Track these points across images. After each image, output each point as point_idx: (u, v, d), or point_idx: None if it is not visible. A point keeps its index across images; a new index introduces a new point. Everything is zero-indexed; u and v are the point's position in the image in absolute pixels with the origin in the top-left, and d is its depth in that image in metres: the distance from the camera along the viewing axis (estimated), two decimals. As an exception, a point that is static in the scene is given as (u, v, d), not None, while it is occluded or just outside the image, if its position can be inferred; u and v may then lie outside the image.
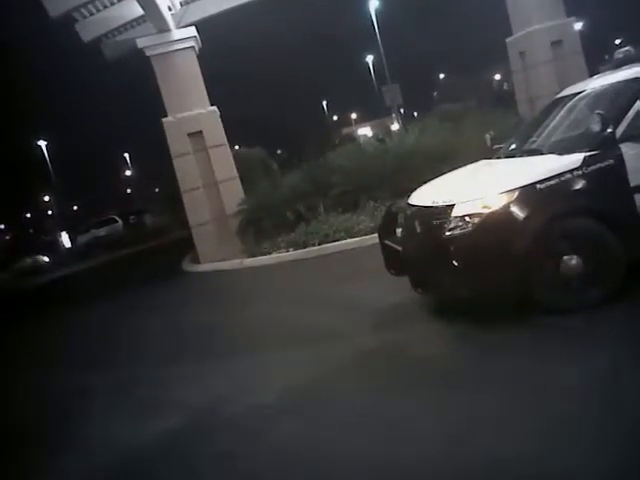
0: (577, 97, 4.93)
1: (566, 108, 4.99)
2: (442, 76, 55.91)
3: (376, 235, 5.67)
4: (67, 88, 42.14)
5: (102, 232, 29.11)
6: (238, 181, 11.91)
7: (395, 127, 22.83)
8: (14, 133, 39.18)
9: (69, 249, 30.65)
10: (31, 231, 46.57)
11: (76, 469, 3.86)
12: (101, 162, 50.32)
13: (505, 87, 38.61)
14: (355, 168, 10.72)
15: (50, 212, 51.71)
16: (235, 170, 11.93)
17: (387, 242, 5.21)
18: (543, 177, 4.08)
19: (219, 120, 11.97)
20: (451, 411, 3.26)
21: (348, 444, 3.20)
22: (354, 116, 59.14)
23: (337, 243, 9.32)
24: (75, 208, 54.37)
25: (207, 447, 3.61)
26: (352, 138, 31.64)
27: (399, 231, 5.26)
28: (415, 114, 35.06)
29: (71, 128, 44.38)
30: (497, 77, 48.19)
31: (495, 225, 4.10)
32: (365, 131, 42.64)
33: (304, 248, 9.65)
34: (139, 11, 11.26)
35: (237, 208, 11.45)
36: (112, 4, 11.88)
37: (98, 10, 11.90)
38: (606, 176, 4.07)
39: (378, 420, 3.38)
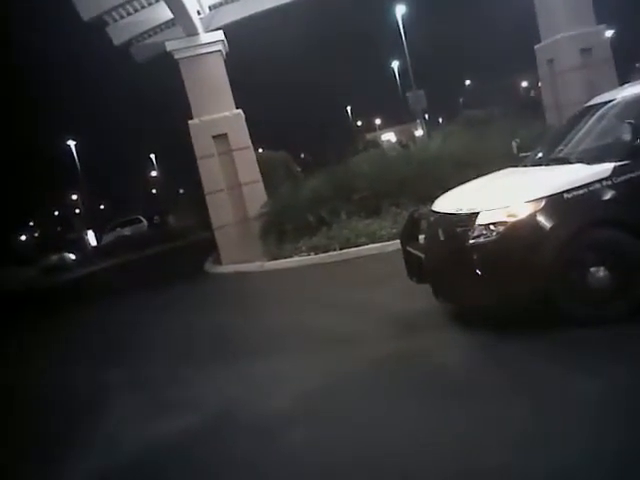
0: (607, 106, 4.83)
1: (595, 117, 4.89)
2: (468, 82, 55.55)
3: (398, 241, 5.64)
4: (97, 90, 43.01)
5: (127, 231, 29.53)
6: (261, 184, 11.99)
7: (419, 133, 22.71)
8: (45, 133, 40.12)
9: (94, 247, 31.16)
10: (59, 229, 47.48)
11: (90, 465, 3.90)
12: (128, 162, 51.15)
13: (532, 94, 38.18)
14: (378, 173, 10.69)
15: (77, 210, 52.69)
16: (259, 173, 12.01)
17: (409, 249, 5.17)
18: (571, 186, 4.01)
19: (244, 123, 12.07)
20: (465, 421, 3.21)
21: (360, 450, 3.18)
22: (378, 121, 59.09)
23: (358, 248, 9.29)
24: (102, 207, 55.30)
25: (220, 449, 3.62)
26: (376, 143, 31.54)
27: (422, 238, 5.22)
28: (440, 120, 34.85)
29: (100, 129, 45.28)
30: (524, 84, 47.66)
31: (520, 234, 4.05)
32: (389, 136, 42.55)
33: (325, 252, 9.64)
34: (169, 15, 11.45)
35: (260, 211, 11.52)
36: (142, 7, 12.10)
37: (129, 13, 12.13)
38: (636, 187, 3.98)
39: (392, 427, 3.35)
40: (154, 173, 57.02)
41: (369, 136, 45.71)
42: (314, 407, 3.89)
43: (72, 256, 26.32)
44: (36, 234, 47.42)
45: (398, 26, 27.28)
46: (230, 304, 8.28)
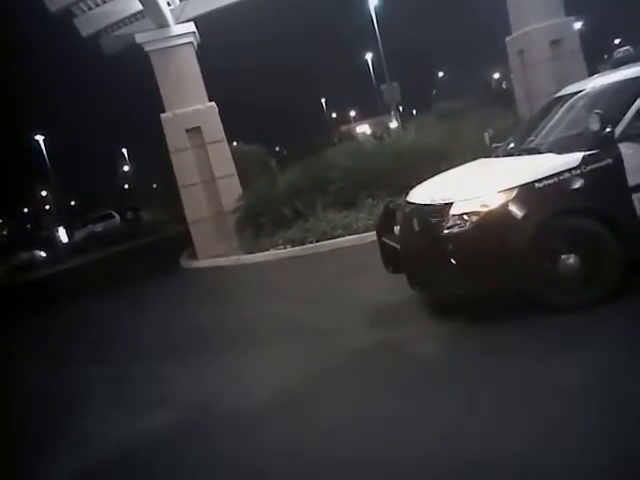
0: (576, 96, 4.93)
1: (565, 107, 4.99)
2: (441, 74, 55.97)
3: (374, 232, 5.67)
4: (65, 83, 42.05)
5: (99, 227, 29.05)
6: (236, 177, 11.89)
7: (394, 125, 22.79)
8: (12, 128, 39.07)
9: (66, 244, 30.54)
10: (28, 226, 46.37)
11: (71, 462, 3.85)
12: (99, 157, 50.24)
13: (504, 86, 38.67)
14: (353, 165, 10.70)
15: (47, 207, 51.54)
16: (233, 166, 11.91)
17: (385, 240, 5.20)
18: (541, 176, 4.08)
19: (217, 116, 11.94)
20: (445, 410, 3.26)
21: (339, 442, 3.21)
22: (353, 114, 59.17)
23: (335, 240, 9.31)
24: (73, 203, 54.16)
25: (202, 444, 3.61)
26: (351, 135, 31.61)
27: (397, 229, 5.26)
28: (414, 112, 35.08)
29: (69, 123, 44.27)
30: (496, 75, 48.21)
31: (493, 223, 4.11)
32: (364, 129, 42.64)
33: (302, 245, 9.64)
34: (138, 6, 11.21)
35: (235, 204, 11.43)
36: (111, -1, 11.83)
37: (97, 5, 11.84)
38: (604, 175, 4.08)
39: (372, 419, 3.38)
40: (126, 168, 56.07)
41: (344, 128, 45.75)
42: (294, 398, 3.91)
43: (43, 254, 25.71)
44: (4, 232, 46.21)
45: (371, 18, 27.25)
46: (206, 299, 8.22)
